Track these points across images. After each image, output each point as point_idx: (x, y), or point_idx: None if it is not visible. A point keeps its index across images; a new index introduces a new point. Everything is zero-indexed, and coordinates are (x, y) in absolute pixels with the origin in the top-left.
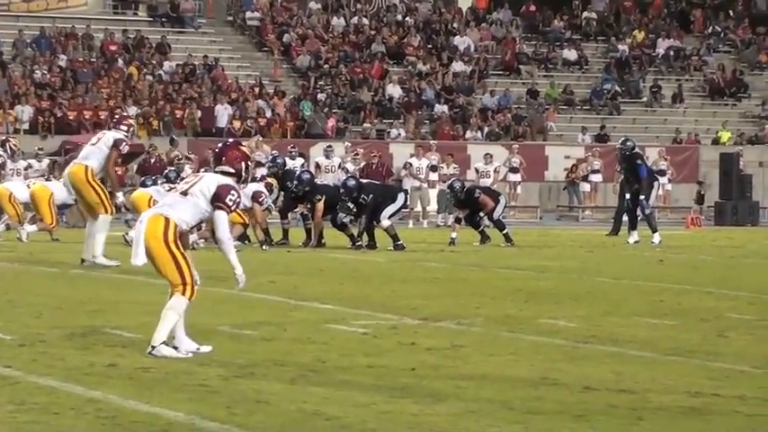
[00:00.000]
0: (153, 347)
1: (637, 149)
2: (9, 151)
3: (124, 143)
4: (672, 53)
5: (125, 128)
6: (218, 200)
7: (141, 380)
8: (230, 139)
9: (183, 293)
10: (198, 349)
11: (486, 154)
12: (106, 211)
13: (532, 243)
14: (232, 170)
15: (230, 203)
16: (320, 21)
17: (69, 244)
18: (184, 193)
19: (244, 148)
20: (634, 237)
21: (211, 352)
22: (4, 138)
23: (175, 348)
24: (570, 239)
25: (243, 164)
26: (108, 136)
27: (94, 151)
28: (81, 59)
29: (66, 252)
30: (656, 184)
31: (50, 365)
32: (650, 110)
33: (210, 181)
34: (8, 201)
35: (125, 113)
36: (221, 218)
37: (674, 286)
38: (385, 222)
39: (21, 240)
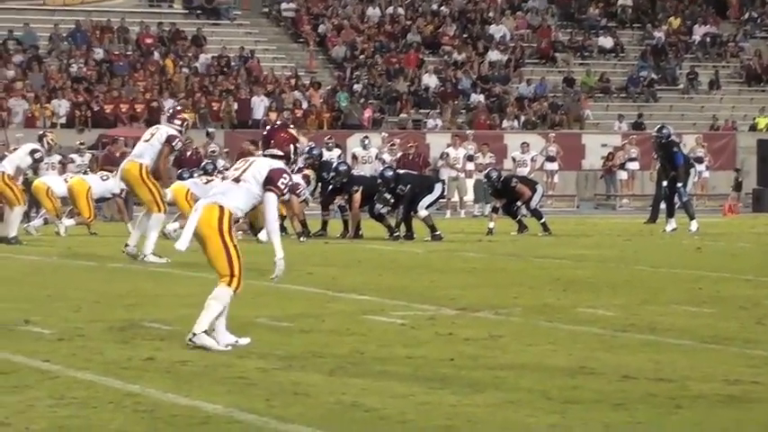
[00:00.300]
0: (194, 335)
1: (673, 137)
2: (46, 146)
3: (177, 139)
4: (708, 40)
5: (179, 122)
6: (270, 183)
7: (180, 373)
8: (278, 122)
9: (230, 284)
10: (237, 342)
11: (523, 143)
12: (159, 210)
13: (570, 232)
14: (281, 153)
15: (282, 186)
16: (355, 11)
17: (107, 237)
18: (237, 180)
19: (291, 131)
20: (672, 224)
21: (249, 344)
22: (41, 132)
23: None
24: (608, 228)
25: (291, 146)
26: (161, 131)
27: (148, 148)
28: (117, 53)
29: (104, 246)
30: (692, 171)
31: (89, 359)
32: (687, 97)
33: (262, 165)
34: (46, 195)
35: (179, 107)
36: (272, 200)
37: (713, 274)
38: (422, 213)
39: (59, 234)
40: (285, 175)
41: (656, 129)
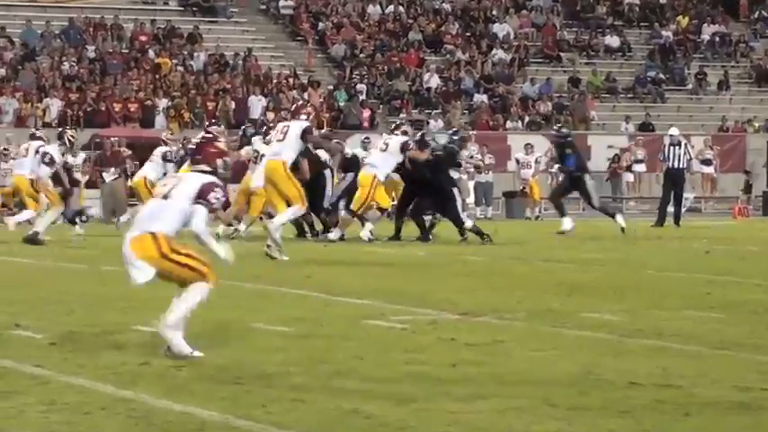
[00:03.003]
0: (164, 326)
1: (571, 138)
2: (68, 143)
3: (313, 128)
4: (717, 39)
5: (305, 116)
6: (201, 197)
7: (174, 378)
8: (207, 135)
9: (206, 281)
10: (192, 353)
11: (527, 144)
12: (303, 204)
13: (575, 235)
14: (209, 168)
15: (214, 201)
16: (355, 9)
17: (98, 238)
18: (165, 197)
19: (221, 144)
20: (566, 224)
21: (201, 358)
22: (60, 129)
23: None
24: (614, 231)
25: (220, 160)
26: (293, 127)
27: (285, 145)
28: (110, 51)
29: (95, 248)
30: (587, 176)
31: (81, 364)
32: (695, 98)
33: (192, 180)
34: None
35: (301, 102)
36: (200, 211)
37: (721, 278)
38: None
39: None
40: (217, 189)
41: (555, 127)
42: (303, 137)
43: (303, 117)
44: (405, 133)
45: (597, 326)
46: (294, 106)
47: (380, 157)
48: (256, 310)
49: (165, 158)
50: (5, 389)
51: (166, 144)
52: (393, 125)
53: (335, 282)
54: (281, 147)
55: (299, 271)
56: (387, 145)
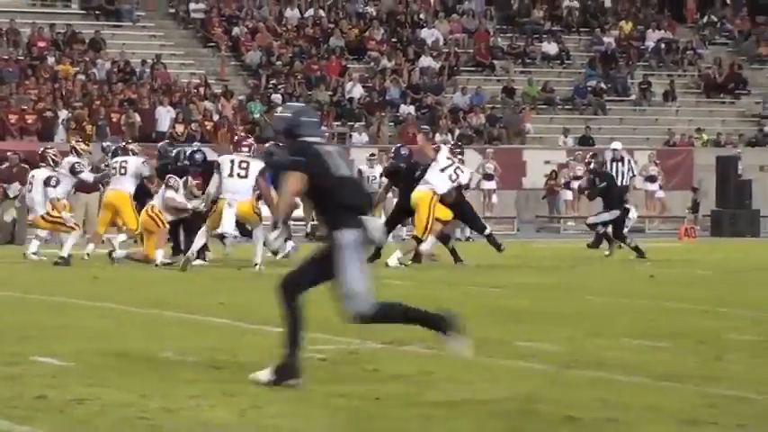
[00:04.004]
0: None
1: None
2: (76, 154)
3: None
4: (663, 46)
5: (247, 149)
6: None
7: (73, 413)
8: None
9: None
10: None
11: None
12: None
13: (508, 257)
14: None
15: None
16: (272, 13)
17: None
18: None
19: None
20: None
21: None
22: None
23: None
24: (551, 253)
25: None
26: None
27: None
28: (5, 57)
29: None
30: None
31: None
32: (639, 109)
33: None
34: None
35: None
36: None
37: (667, 304)
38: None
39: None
40: None
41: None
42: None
43: (245, 150)
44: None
45: (533, 355)
46: (236, 138)
47: (435, 173)
48: (165, 339)
49: (73, 171)
50: None
51: (78, 154)
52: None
53: (250, 309)
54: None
55: (212, 298)
56: (438, 161)
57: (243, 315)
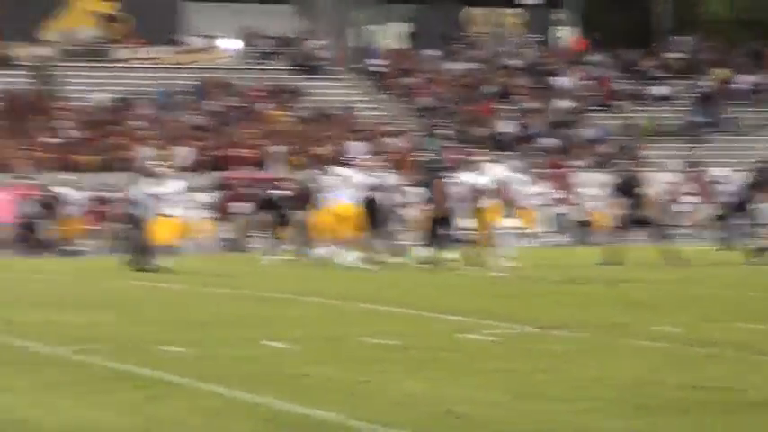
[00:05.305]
0: None
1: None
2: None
3: None
4: (752, 87)
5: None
6: None
7: (300, 384)
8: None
9: None
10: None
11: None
12: None
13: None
14: None
15: None
16: (436, 66)
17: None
18: None
19: None
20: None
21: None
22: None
23: None
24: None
25: None
26: None
27: None
28: (228, 105)
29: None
30: None
31: (220, 374)
32: (734, 138)
33: None
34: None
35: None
36: None
37: None
38: None
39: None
40: None
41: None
42: None
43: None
44: None
45: (659, 337)
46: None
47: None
48: (358, 324)
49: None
50: (155, 394)
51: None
52: None
53: (433, 300)
54: None
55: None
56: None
57: (427, 305)
